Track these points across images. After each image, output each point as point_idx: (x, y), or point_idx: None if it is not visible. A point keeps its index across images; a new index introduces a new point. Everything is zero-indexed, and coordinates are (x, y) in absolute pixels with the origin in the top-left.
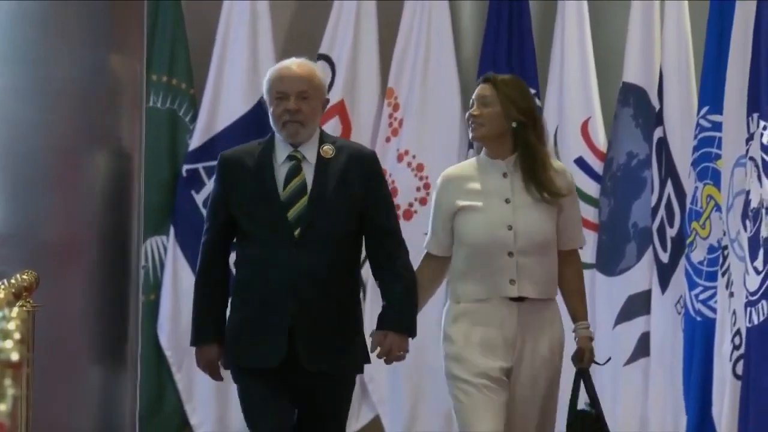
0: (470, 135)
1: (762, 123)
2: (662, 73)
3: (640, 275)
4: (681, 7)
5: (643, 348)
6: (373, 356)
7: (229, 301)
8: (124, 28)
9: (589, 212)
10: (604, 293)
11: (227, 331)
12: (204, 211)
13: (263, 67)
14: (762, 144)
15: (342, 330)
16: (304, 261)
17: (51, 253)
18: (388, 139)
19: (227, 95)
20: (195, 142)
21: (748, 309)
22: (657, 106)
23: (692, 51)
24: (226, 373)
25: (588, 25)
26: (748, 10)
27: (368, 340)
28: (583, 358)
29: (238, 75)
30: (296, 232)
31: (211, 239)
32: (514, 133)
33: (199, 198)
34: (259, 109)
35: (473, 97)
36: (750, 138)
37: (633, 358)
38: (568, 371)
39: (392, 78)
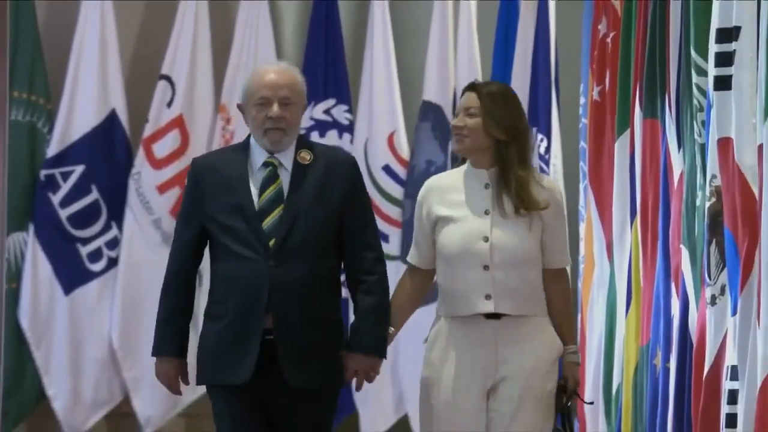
0: (453, 147)
1: (540, 136)
2: (456, 93)
3: None
4: (471, 36)
5: None
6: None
7: (203, 315)
8: None
9: (394, 212)
10: None
11: (200, 346)
12: (60, 211)
13: (111, 85)
14: (539, 154)
15: (322, 343)
16: (280, 273)
17: None
18: None
19: (80, 109)
20: (51, 150)
21: None
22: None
23: (481, 72)
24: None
25: (393, 50)
26: (527, 37)
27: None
28: (566, 388)
29: (89, 91)
30: (271, 243)
31: (180, 248)
32: (495, 147)
33: (56, 199)
34: (109, 121)
35: (459, 105)
36: None
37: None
38: None
39: (225, 95)
